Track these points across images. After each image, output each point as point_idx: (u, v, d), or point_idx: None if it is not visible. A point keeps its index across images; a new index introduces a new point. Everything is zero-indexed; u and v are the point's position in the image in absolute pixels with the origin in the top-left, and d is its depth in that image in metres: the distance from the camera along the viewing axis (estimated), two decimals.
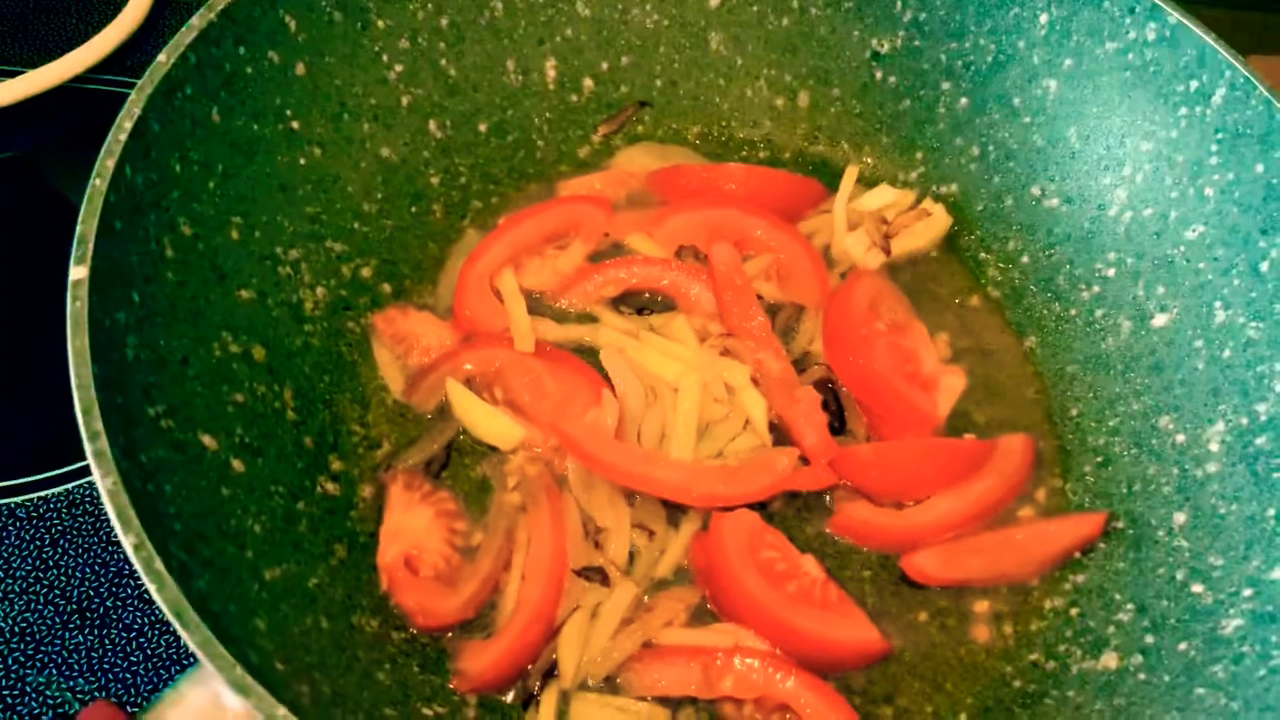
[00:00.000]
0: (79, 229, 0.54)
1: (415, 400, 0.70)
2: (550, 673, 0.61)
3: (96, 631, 0.64)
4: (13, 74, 0.86)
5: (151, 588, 0.45)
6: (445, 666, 0.61)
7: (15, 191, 0.85)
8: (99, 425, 0.48)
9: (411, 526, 0.65)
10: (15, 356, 0.77)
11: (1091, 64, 0.75)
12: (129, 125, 0.58)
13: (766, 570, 0.62)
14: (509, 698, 0.61)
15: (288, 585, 0.57)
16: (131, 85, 0.89)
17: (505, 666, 0.60)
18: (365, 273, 0.74)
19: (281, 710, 0.42)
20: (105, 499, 0.46)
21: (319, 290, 0.71)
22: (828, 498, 0.69)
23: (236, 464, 0.60)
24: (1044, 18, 0.76)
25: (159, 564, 0.45)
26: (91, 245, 0.53)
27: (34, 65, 0.86)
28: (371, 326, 0.73)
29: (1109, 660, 0.62)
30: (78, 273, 0.53)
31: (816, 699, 0.59)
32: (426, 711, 0.57)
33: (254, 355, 0.65)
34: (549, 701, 0.60)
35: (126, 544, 0.45)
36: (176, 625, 0.44)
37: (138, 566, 0.45)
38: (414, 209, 0.78)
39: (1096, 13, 0.74)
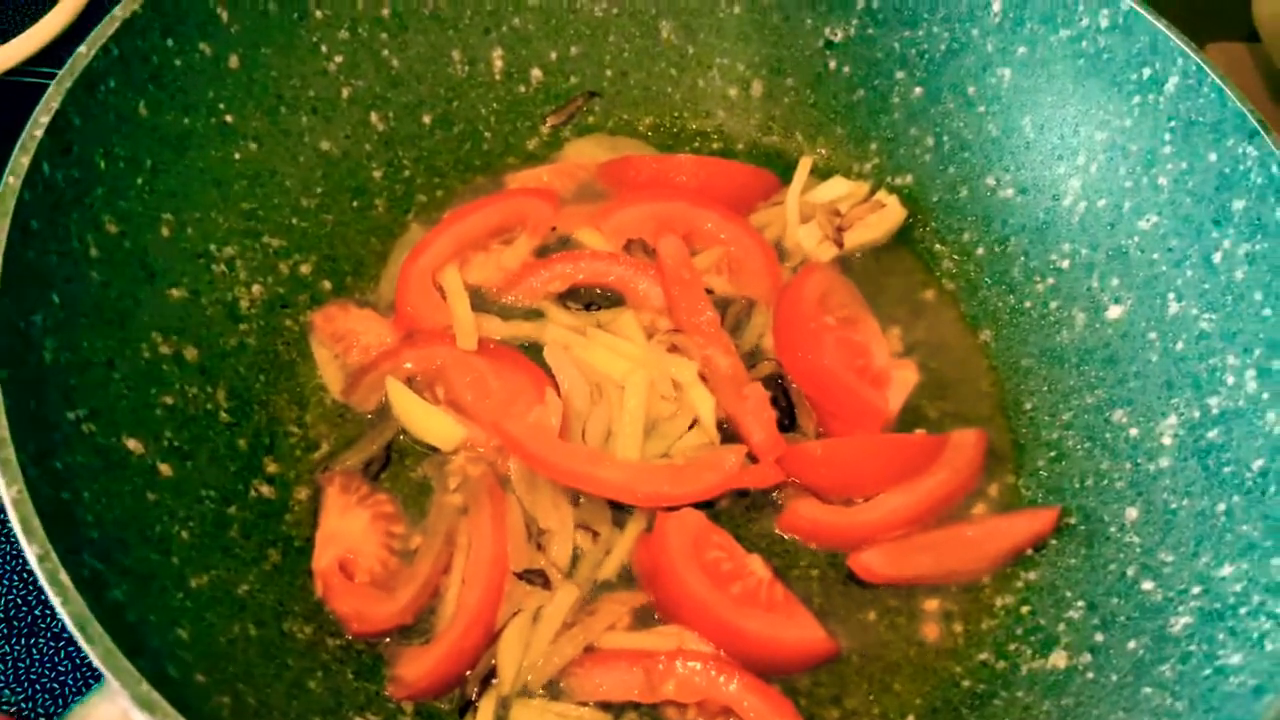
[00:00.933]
0: None
1: (355, 400, 0.69)
2: (489, 679, 0.60)
3: (23, 641, 0.62)
4: None
5: (55, 600, 0.43)
6: (381, 673, 0.60)
7: None
8: (4, 432, 0.46)
9: (348, 530, 0.63)
10: None
11: (1045, 51, 0.74)
12: (45, 120, 0.56)
13: (712, 571, 0.61)
14: (446, 705, 0.60)
15: (215, 593, 0.56)
16: None
17: (443, 672, 0.59)
18: (304, 269, 0.72)
19: None
20: (9, 508, 0.45)
21: (255, 288, 0.70)
22: (776, 495, 0.68)
23: (164, 468, 0.58)
24: (997, 5, 0.75)
25: (63, 576, 0.44)
26: (1, 245, 0.52)
27: None
28: (310, 325, 0.71)
29: (1058, 659, 0.61)
30: None
31: (760, 702, 0.58)
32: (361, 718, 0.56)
33: (185, 356, 0.64)
34: (487, 708, 0.59)
35: (30, 554, 0.44)
36: (79, 638, 0.42)
37: (41, 578, 0.44)
38: (355, 203, 0.76)
39: (1050, 0, 0.73)
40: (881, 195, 0.80)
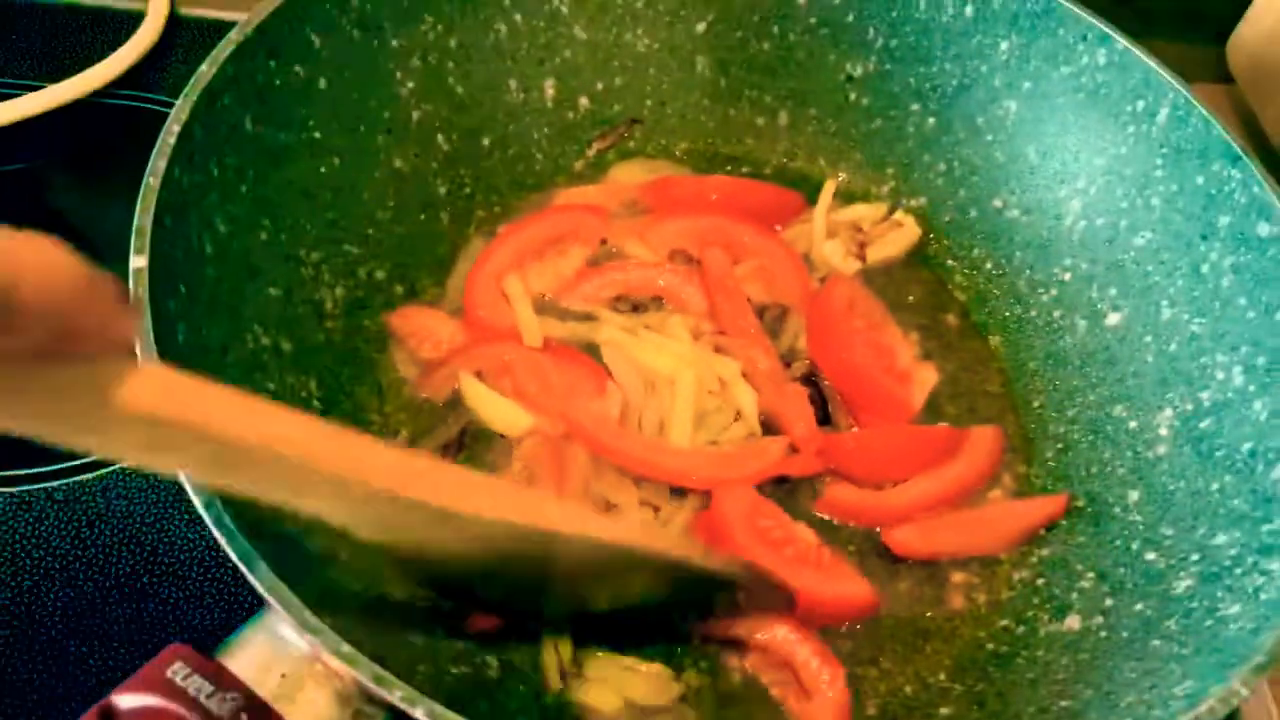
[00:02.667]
0: (136, 222, 0.58)
1: (429, 391, 0.75)
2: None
3: (134, 605, 0.68)
4: (34, 89, 0.90)
5: (222, 540, 0.49)
6: (466, 631, 0.65)
7: (27, 202, 0.89)
8: None
9: None
10: None
11: (1048, 86, 0.82)
12: (176, 129, 0.63)
13: (764, 537, 0.68)
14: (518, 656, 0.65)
15: (324, 557, 0.61)
16: (145, 100, 0.94)
17: None
18: (379, 275, 0.79)
19: (346, 646, 0.47)
20: None
21: (338, 290, 0.76)
22: (814, 482, 0.75)
23: None
24: (1004, 45, 0.83)
25: (228, 520, 0.50)
26: (149, 237, 0.58)
27: (53, 81, 0.90)
28: (388, 324, 0.77)
29: (1072, 622, 0.68)
30: (138, 261, 0.57)
31: (818, 661, 0.64)
32: (454, 670, 0.62)
33: (282, 348, 0.70)
34: (557, 657, 0.65)
35: (197, 503, 0.50)
36: (245, 571, 0.48)
37: (209, 522, 0.49)
38: (423, 216, 0.83)
39: (1052, 40, 0.81)
40: (899, 215, 0.88)
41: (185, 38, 0.99)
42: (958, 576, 0.72)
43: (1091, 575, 0.70)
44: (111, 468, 0.74)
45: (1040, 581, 0.72)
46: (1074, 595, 0.70)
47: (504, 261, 0.81)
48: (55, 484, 0.72)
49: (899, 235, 0.87)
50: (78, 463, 0.74)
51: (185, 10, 1.01)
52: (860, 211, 0.88)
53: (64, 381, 0.38)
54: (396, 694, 0.46)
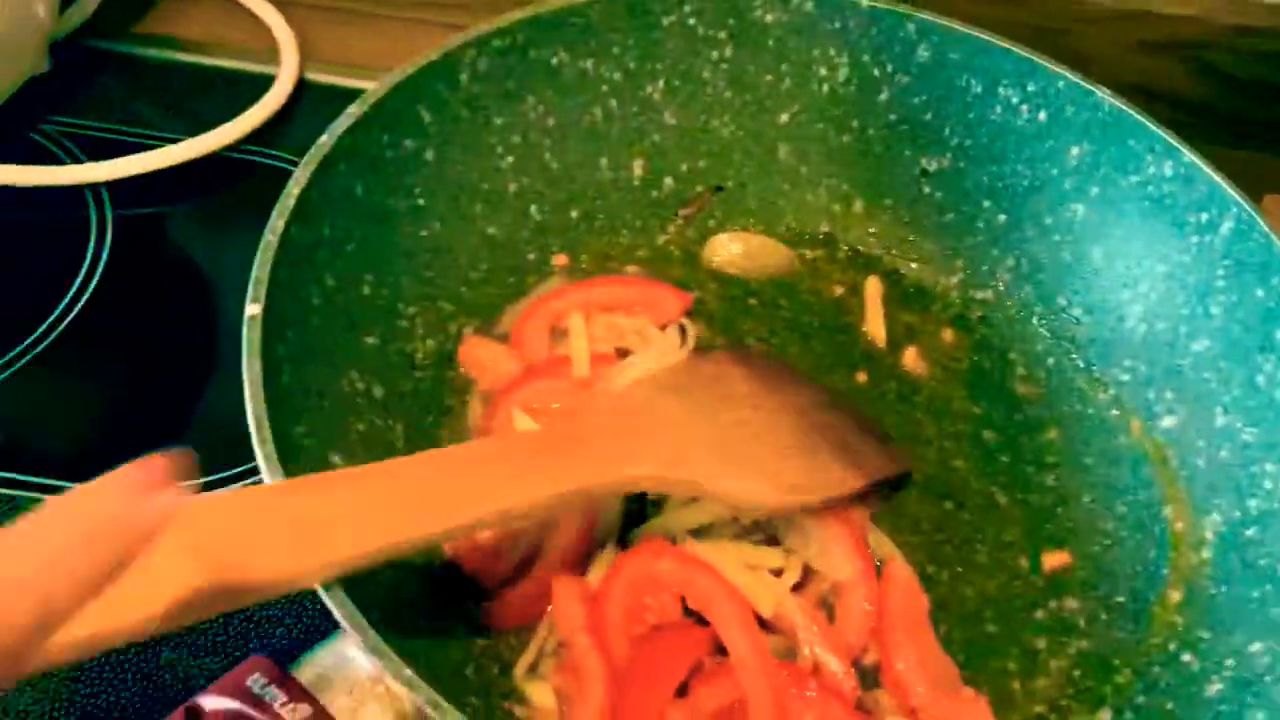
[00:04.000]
0: (255, 274, 0.65)
1: (494, 426, 0.80)
2: None
3: (221, 619, 0.74)
4: (171, 141, 0.99)
5: None
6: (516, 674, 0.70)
7: (158, 243, 0.98)
8: (268, 433, 0.59)
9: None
10: (158, 389, 0.89)
11: (1115, 192, 0.85)
12: (296, 192, 0.70)
13: None
14: None
15: (396, 582, 0.67)
16: (269, 155, 1.02)
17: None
18: (469, 331, 0.85)
19: (408, 671, 0.52)
20: None
21: (429, 342, 0.82)
22: None
23: None
24: (1075, 150, 0.87)
25: None
26: (265, 287, 0.65)
27: (189, 136, 0.99)
28: (456, 355, 0.83)
29: (1103, 715, 0.70)
30: (253, 309, 0.64)
31: None
32: (506, 706, 0.66)
33: (374, 393, 0.76)
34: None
35: None
36: (324, 596, 0.53)
37: None
38: (511, 279, 0.89)
39: (1121, 149, 0.84)
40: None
41: (311, 100, 1.08)
42: (995, 662, 0.75)
43: (1128, 672, 0.72)
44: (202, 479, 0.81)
45: (1076, 673, 0.74)
46: (1108, 690, 0.72)
47: (572, 302, 0.86)
48: None
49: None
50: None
51: (312, 76, 1.11)
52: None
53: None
54: None
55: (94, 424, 0.87)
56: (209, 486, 0.82)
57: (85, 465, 0.81)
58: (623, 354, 0.85)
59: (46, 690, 0.69)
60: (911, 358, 0.89)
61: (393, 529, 0.55)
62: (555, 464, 0.62)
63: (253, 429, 0.59)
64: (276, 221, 0.68)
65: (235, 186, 1.00)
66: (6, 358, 0.87)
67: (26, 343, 0.88)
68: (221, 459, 0.80)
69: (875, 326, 0.91)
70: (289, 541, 0.50)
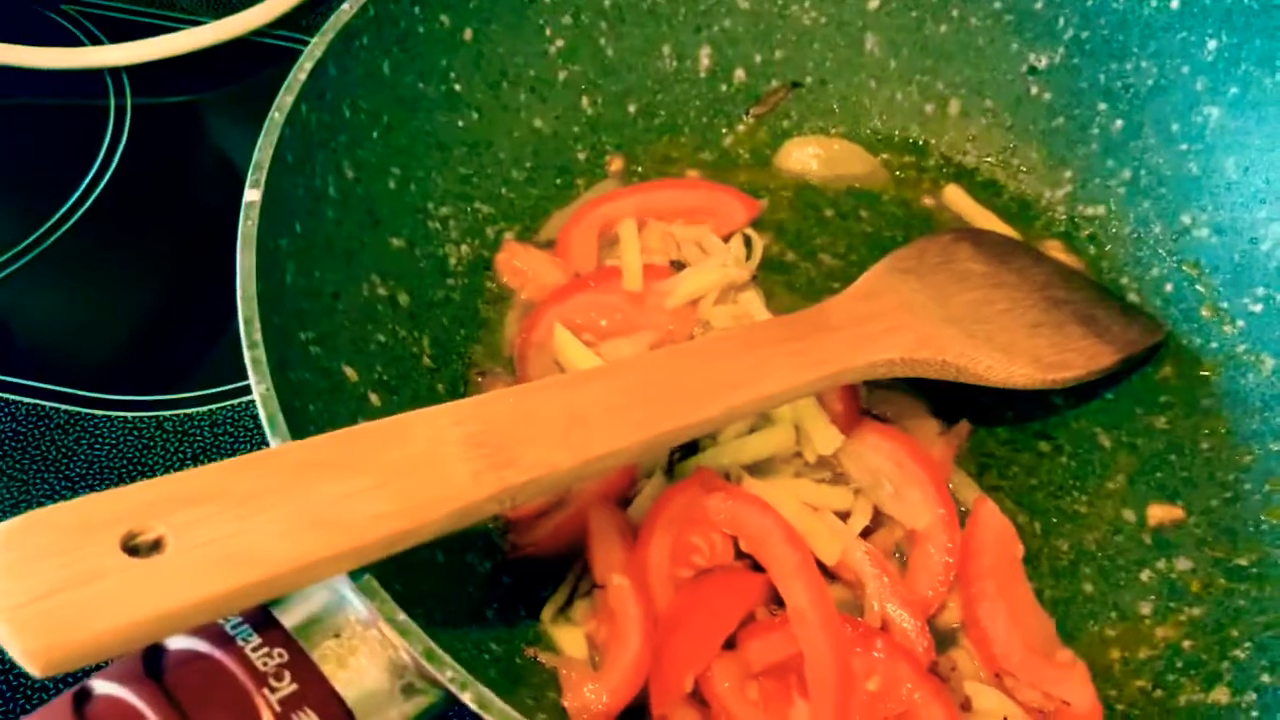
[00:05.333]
0: (256, 156, 0.57)
1: (534, 336, 0.72)
2: None
3: None
4: (197, 24, 0.91)
5: None
6: (539, 614, 0.62)
7: (187, 133, 0.90)
8: (258, 335, 0.51)
9: None
10: (174, 287, 0.82)
11: (1258, 94, 0.74)
12: (309, 66, 0.61)
13: None
14: None
15: None
16: (304, 42, 0.94)
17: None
18: (508, 236, 0.77)
19: (402, 615, 0.44)
20: (259, 403, 0.49)
21: (464, 248, 0.74)
22: None
23: (374, 398, 0.62)
24: (1212, 44, 0.75)
25: None
26: (266, 172, 0.57)
27: (217, 18, 0.91)
28: (493, 262, 0.75)
29: (1220, 695, 0.60)
30: (251, 195, 0.56)
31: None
32: (529, 652, 0.59)
33: (399, 300, 0.68)
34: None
35: (273, 444, 0.48)
36: None
37: None
38: (559, 181, 0.80)
39: (1269, 42, 0.72)
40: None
41: None
42: (1092, 627, 0.65)
43: (1249, 645, 0.62)
44: (220, 404, 0.74)
45: (1187, 644, 0.64)
46: (1225, 665, 0.62)
47: (625, 208, 0.77)
48: (167, 414, 0.73)
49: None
50: (190, 394, 0.74)
51: None
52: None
53: None
54: (447, 673, 0.43)
55: (100, 325, 0.81)
56: (225, 395, 0.76)
57: (91, 365, 0.76)
58: (678, 267, 0.76)
59: None
60: None
61: (652, 421, 0.53)
62: (806, 350, 0.60)
63: (241, 328, 0.51)
64: (284, 98, 0.60)
65: (264, 74, 0.93)
66: (14, 250, 0.80)
67: (33, 237, 0.81)
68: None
69: None
70: (561, 435, 0.50)
